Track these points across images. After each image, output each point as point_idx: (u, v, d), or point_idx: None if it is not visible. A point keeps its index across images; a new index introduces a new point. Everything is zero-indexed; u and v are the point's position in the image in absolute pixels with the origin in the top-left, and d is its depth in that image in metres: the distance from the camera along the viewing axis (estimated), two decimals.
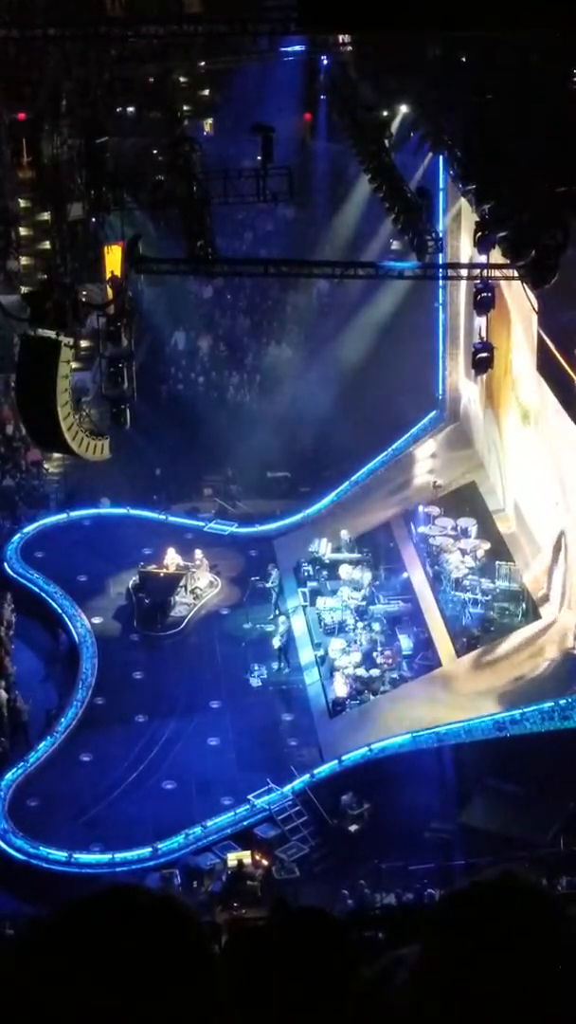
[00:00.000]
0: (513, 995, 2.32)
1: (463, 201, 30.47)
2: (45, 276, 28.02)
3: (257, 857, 25.81)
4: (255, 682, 30.49)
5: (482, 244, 24.35)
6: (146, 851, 25.64)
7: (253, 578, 33.38)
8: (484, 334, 27.73)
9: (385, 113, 30.58)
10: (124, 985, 2.19)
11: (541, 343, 28.32)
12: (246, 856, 25.74)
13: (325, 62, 36.13)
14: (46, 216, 36.74)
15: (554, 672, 28.14)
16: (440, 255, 28.55)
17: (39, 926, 2.30)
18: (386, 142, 29.32)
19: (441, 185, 33.53)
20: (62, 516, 36.29)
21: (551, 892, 2.54)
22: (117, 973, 2.19)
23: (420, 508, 34.12)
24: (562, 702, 26.85)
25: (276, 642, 30.73)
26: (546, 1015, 2.33)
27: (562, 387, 27.62)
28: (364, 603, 31.59)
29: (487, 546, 32.01)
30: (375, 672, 29.52)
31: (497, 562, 31.36)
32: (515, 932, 2.39)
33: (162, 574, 33.25)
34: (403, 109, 30.87)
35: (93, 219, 28.17)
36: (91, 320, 27.62)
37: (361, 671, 29.56)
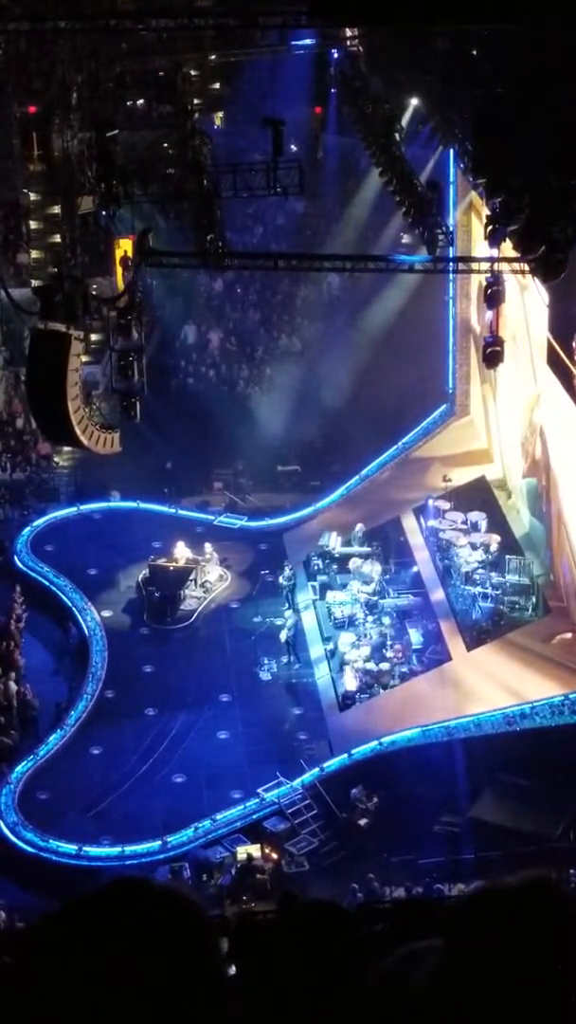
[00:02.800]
0: (538, 1000, 2.32)
1: (474, 194, 30.46)
2: (55, 269, 28.08)
3: (266, 850, 25.83)
4: (265, 676, 30.51)
5: (492, 238, 24.32)
6: (155, 844, 25.68)
7: (263, 572, 33.39)
8: (495, 327, 27.69)
9: (395, 106, 30.55)
10: (129, 979, 2.19)
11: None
12: (255, 849, 25.76)
13: (335, 55, 36.13)
14: (56, 209, 36.75)
15: (564, 666, 28.14)
16: (450, 248, 28.52)
17: (46, 920, 2.31)
18: (396, 135, 29.30)
19: (451, 178, 33.50)
20: (72, 509, 36.31)
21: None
22: (122, 967, 2.19)
23: (430, 502, 34.09)
24: (572, 696, 26.85)
25: (283, 635, 30.75)
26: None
27: (567, 380, 27.69)
28: (374, 597, 31.56)
29: (497, 540, 31.99)
30: (385, 666, 29.50)
31: (507, 556, 31.33)
32: (544, 938, 2.38)
33: (172, 568, 33.26)
34: (413, 102, 30.84)
35: (103, 213, 28.09)
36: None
37: (371, 665, 29.54)
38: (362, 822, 26.36)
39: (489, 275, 26.19)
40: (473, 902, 2.47)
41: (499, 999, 2.32)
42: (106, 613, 32.43)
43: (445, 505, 33.96)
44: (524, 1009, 2.31)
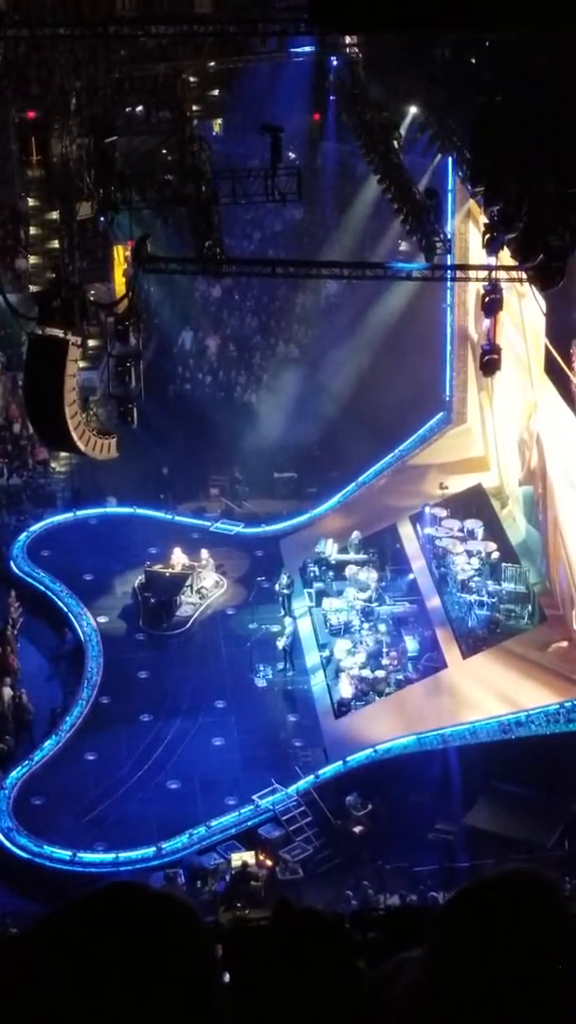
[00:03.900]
0: (522, 999, 2.30)
1: (472, 202, 30.48)
2: (53, 275, 28.06)
3: (261, 857, 25.80)
4: (260, 682, 30.47)
5: (490, 246, 24.33)
6: (150, 850, 25.64)
7: (259, 578, 33.36)
8: (492, 335, 27.71)
9: (394, 114, 30.59)
10: (123, 984, 2.18)
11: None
12: (250, 856, 25.72)
13: (335, 62, 36.16)
14: (55, 215, 36.83)
15: (560, 674, 28.13)
16: (448, 256, 28.54)
17: (39, 924, 2.30)
18: (395, 143, 29.34)
19: (450, 186, 33.53)
20: (69, 515, 36.29)
21: (563, 890, 2.49)
22: (116, 972, 2.18)
23: (427, 509, 34.09)
24: (567, 704, 26.84)
25: (281, 643, 30.73)
26: (555, 1019, 2.31)
27: (564, 388, 27.70)
28: (370, 604, 31.56)
29: (493, 547, 31.99)
30: (380, 673, 29.49)
31: (504, 564, 31.33)
32: (524, 934, 2.36)
33: (168, 574, 33.23)
34: (412, 110, 30.89)
35: (101, 218, 28.13)
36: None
37: (366, 672, 29.52)
38: (357, 829, 26.34)
39: (487, 283, 26.20)
40: (452, 904, 2.46)
41: (482, 1003, 2.31)
42: (102, 619, 32.39)
43: (441, 513, 33.96)
44: (508, 1010, 2.30)
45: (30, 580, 33.54)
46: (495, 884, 2.44)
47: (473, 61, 26.10)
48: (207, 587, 33.41)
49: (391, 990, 2.59)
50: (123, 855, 25.54)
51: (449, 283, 33.45)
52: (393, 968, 2.69)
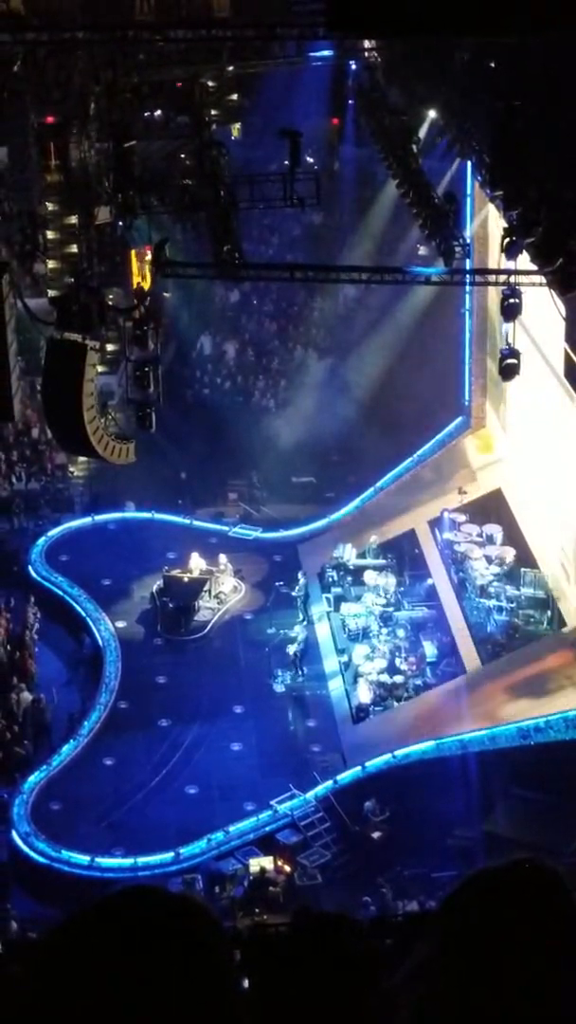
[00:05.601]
0: (521, 992, 2.28)
1: (491, 207, 30.44)
2: (72, 280, 28.07)
3: (279, 863, 25.78)
4: (279, 687, 30.48)
5: (509, 250, 24.28)
6: (168, 856, 25.64)
7: (277, 583, 33.35)
8: (511, 340, 27.66)
9: (413, 118, 30.54)
10: (141, 989, 2.16)
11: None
12: (268, 862, 25.71)
13: (353, 67, 36.16)
14: (73, 220, 36.81)
15: None
16: (467, 261, 28.49)
17: (56, 930, 2.28)
18: (414, 147, 29.29)
19: (468, 191, 33.47)
20: (87, 520, 36.34)
21: (567, 882, 2.50)
22: (132, 977, 2.16)
23: (445, 514, 34.04)
24: None
25: (292, 649, 30.70)
26: (556, 1014, 2.28)
27: None
28: (388, 609, 31.53)
29: (512, 553, 31.93)
30: (399, 679, 29.47)
31: (523, 569, 31.27)
32: (529, 917, 2.35)
33: (186, 578, 33.26)
34: (431, 114, 30.84)
35: (120, 223, 28.15)
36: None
37: (385, 677, 29.51)
38: (375, 835, 26.31)
39: (506, 287, 26.16)
40: (460, 887, 2.44)
41: (481, 995, 2.29)
42: (120, 623, 32.43)
43: (460, 517, 33.92)
44: (508, 1003, 2.27)
45: (48, 585, 33.59)
46: (500, 871, 2.44)
47: (492, 65, 26.04)
48: (225, 592, 33.43)
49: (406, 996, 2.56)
50: (141, 860, 25.56)
51: (468, 288, 33.40)
52: (408, 976, 2.66)
